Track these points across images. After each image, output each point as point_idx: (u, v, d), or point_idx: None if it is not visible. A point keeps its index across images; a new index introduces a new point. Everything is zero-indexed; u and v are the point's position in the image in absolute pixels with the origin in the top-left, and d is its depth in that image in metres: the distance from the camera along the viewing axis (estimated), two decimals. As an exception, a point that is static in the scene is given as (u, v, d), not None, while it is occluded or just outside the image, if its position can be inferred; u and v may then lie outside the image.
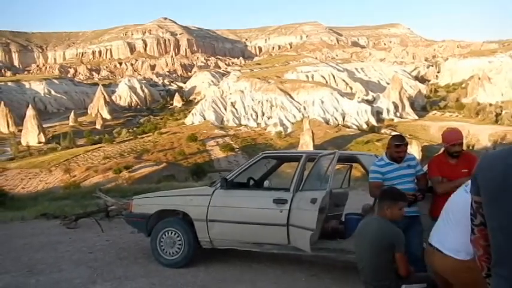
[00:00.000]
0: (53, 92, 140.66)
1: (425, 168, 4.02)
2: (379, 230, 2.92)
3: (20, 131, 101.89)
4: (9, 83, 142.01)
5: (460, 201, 2.26)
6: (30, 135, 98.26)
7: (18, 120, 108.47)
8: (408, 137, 51.47)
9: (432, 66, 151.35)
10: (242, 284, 4.49)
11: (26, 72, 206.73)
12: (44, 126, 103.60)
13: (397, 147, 3.89)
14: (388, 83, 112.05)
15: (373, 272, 2.97)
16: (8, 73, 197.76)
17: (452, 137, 3.79)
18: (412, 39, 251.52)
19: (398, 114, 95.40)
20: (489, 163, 1.61)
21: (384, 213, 3.01)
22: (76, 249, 6.00)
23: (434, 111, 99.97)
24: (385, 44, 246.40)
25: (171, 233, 5.08)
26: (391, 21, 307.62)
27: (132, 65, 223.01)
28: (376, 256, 2.91)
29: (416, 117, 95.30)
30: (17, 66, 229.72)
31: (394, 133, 45.91)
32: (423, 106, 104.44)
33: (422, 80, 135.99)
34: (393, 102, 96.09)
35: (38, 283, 4.58)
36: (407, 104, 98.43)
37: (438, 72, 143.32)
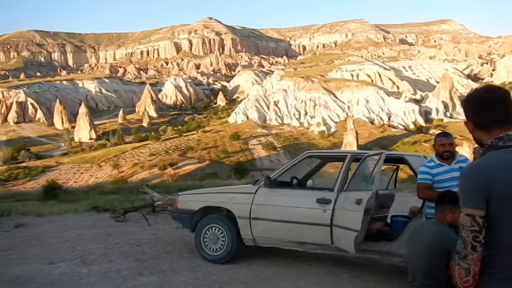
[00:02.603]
0: (103, 91, 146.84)
1: None
2: (437, 235, 2.79)
3: (73, 127, 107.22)
4: (64, 82, 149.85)
5: None
6: (82, 132, 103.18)
7: (72, 117, 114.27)
8: (459, 138, 49.26)
9: (487, 63, 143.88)
10: (284, 282, 4.49)
11: (79, 72, 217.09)
12: (95, 123, 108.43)
13: (441, 141, 3.79)
14: (438, 82, 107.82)
15: (424, 276, 2.87)
16: (63, 72, 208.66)
17: None
18: (464, 35, 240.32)
19: (448, 114, 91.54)
20: (502, 169, 1.57)
21: (443, 218, 2.88)
22: (124, 242, 6.24)
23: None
24: (435, 41, 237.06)
25: (215, 229, 5.17)
26: (442, 18, 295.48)
27: (178, 64, 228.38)
28: (429, 261, 2.79)
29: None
30: (72, 66, 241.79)
31: (443, 134, 43.96)
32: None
33: (475, 78, 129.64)
34: (443, 102, 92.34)
35: (90, 272, 4.81)
36: (458, 103, 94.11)
37: (493, 70, 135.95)
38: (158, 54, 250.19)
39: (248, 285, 4.45)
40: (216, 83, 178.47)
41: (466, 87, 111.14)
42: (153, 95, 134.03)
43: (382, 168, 4.59)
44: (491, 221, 1.61)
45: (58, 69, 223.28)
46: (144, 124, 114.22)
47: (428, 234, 2.87)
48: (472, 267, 1.64)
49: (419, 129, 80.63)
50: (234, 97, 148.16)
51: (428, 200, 3.81)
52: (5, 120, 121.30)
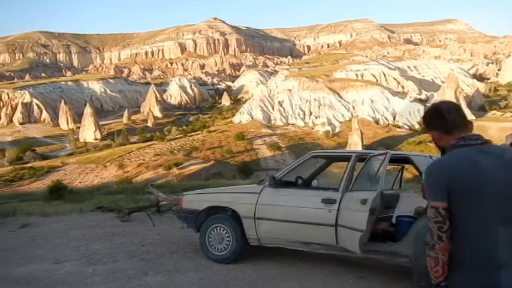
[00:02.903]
0: (108, 91, 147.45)
1: None
2: None
3: (79, 127, 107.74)
4: (69, 83, 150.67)
5: None
6: (88, 132, 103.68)
7: (77, 117, 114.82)
8: (464, 138, 48.94)
9: (492, 63, 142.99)
10: (289, 282, 4.48)
11: (84, 72, 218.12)
12: (100, 123, 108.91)
13: None
14: (443, 82, 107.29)
15: (430, 278, 2.84)
16: (68, 73, 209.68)
17: None
18: (470, 35, 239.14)
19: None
20: (468, 164, 1.75)
21: None
22: (129, 242, 6.25)
23: (494, 111, 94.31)
24: (440, 41, 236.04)
25: (220, 229, 5.17)
26: (448, 17, 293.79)
27: (182, 64, 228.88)
28: None
29: (474, 118, 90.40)
30: (76, 67, 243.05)
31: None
32: (481, 106, 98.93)
33: (481, 78, 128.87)
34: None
35: (95, 272, 4.83)
36: (463, 103, 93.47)
37: (499, 69, 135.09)
38: (163, 55, 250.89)
39: (253, 285, 4.45)
40: (220, 83, 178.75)
41: (472, 87, 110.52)
42: (158, 96, 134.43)
43: (387, 168, 4.57)
44: (454, 213, 1.76)
45: (63, 70, 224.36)
46: (149, 124, 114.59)
47: None
48: (440, 257, 1.78)
49: (425, 130, 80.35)
50: (238, 97, 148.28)
51: None
52: (11, 121, 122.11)
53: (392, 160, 4.63)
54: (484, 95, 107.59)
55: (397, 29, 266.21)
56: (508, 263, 1.71)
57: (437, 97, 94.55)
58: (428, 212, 1.85)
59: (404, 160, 5.15)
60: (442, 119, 1.92)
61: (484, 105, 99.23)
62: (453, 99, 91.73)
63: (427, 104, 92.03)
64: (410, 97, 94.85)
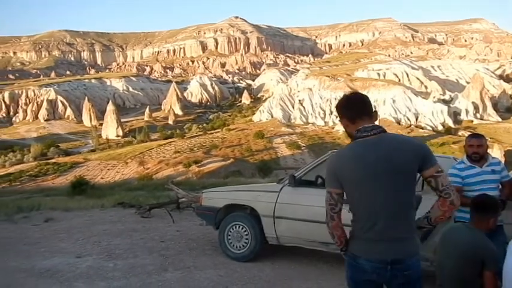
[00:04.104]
0: (130, 89, 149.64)
1: None
2: (473, 243, 2.63)
3: (101, 124, 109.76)
4: (93, 80, 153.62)
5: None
6: (110, 129, 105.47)
7: (100, 114, 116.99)
8: (489, 140, 47.82)
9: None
10: (308, 282, 4.45)
11: (107, 70, 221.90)
12: (122, 120, 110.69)
13: (470, 142, 3.66)
14: (468, 82, 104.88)
15: (454, 283, 2.76)
16: (92, 71, 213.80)
17: None
18: (497, 35, 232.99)
19: (478, 115, 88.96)
20: (354, 158, 2.10)
21: (485, 225, 2.75)
22: (149, 238, 6.32)
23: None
24: (465, 41, 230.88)
25: (239, 227, 5.16)
26: (474, 16, 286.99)
27: (203, 63, 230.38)
28: (462, 268, 2.65)
29: (500, 119, 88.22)
30: (100, 65, 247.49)
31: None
32: (508, 107, 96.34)
33: (507, 79, 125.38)
34: (473, 103, 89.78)
35: (116, 267, 4.89)
36: (489, 104, 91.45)
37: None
38: (184, 53, 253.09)
39: (271, 284, 4.43)
40: (241, 81, 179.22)
41: (498, 88, 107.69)
42: (179, 93, 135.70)
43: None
44: (347, 197, 2.16)
45: (87, 68, 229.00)
46: (170, 122, 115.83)
47: (464, 241, 2.73)
48: (334, 233, 2.23)
49: (448, 131, 78.66)
50: (258, 96, 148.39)
51: None
52: (36, 117, 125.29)
53: (415, 161, 4.54)
54: (511, 96, 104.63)
55: (421, 28, 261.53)
56: (397, 234, 2.08)
57: (461, 98, 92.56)
58: (325, 196, 2.20)
59: (427, 161, 5.03)
60: (348, 108, 2.22)
61: (510, 106, 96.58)
62: (478, 100, 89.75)
63: (451, 105, 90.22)
64: (434, 97, 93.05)
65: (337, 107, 2.31)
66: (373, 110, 2.21)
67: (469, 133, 4.80)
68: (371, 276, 2.13)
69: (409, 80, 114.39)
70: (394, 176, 2.05)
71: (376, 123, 2.23)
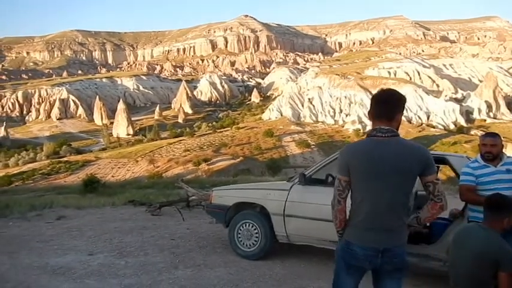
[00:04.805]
0: (141, 88, 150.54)
1: None
2: (488, 244, 2.57)
3: (112, 123, 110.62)
4: (104, 80, 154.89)
5: None
6: (120, 128, 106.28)
7: (111, 113, 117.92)
8: (503, 140, 47.10)
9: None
10: (318, 281, 4.43)
11: (118, 69, 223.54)
12: (133, 119, 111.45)
13: (483, 141, 3.61)
14: (480, 81, 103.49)
15: (469, 283, 2.72)
16: (103, 70, 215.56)
17: None
18: (511, 33, 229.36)
19: (491, 114, 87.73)
20: (364, 152, 2.34)
21: (500, 225, 2.71)
22: (160, 236, 6.35)
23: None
24: (478, 39, 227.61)
25: (249, 225, 5.17)
26: (487, 14, 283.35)
27: (213, 61, 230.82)
28: (476, 269, 2.61)
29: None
30: (111, 64, 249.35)
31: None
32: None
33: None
34: (486, 102, 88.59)
35: (127, 264, 4.93)
36: (502, 103, 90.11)
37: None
38: (194, 52, 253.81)
39: (281, 282, 4.43)
40: (250, 80, 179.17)
41: None
42: (189, 92, 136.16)
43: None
44: (352, 186, 2.40)
45: (98, 67, 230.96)
46: (180, 120, 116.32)
47: (478, 241, 2.68)
48: (337, 215, 2.48)
49: (460, 130, 77.69)
50: (268, 94, 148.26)
51: (471, 203, 3.64)
52: (49, 116, 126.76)
53: (428, 160, 4.48)
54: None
55: (433, 26, 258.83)
56: (390, 227, 2.35)
57: (474, 96, 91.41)
58: (335, 182, 2.47)
59: (439, 160, 4.97)
60: (372, 107, 2.44)
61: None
62: (491, 99, 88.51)
63: (463, 104, 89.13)
64: (446, 96, 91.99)
65: (371, 100, 2.49)
66: (398, 113, 2.39)
67: (482, 132, 4.73)
68: (362, 263, 2.39)
69: (420, 78, 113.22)
70: (395, 176, 2.29)
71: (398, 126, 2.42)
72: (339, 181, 2.43)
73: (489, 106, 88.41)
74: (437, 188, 2.36)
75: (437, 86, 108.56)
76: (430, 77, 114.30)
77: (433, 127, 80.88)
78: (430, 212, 2.42)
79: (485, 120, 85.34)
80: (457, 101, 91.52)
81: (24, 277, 4.53)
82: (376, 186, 2.32)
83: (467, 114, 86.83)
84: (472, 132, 75.26)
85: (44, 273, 4.65)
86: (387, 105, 2.38)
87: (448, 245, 3.26)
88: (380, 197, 2.32)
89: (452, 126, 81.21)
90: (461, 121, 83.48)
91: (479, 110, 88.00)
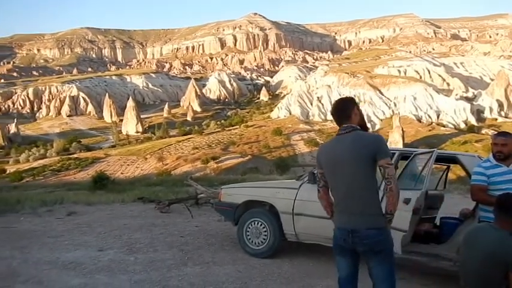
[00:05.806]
0: (150, 85, 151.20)
1: None
2: (500, 244, 2.54)
3: (121, 120, 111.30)
4: (114, 77, 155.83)
5: None
6: (130, 125, 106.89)
7: (120, 110, 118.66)
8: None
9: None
10: (327, 279, 4.42)
11: (127, 67, 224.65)
12: (142, 117, 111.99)
13: (495, 140, 3.57)
14: (492, 79, 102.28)
15: (480, 283, 2.70)
16: (113, 68, 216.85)
17: None
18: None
19: (503, 113, 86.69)
20: (329, 148, 2.80)
21: (510, 225, 2.67)
22: (169, 233, 6.39)
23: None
24: (490, 37, 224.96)
25: (258, 223, 5.17)
26: (499, 11, 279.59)
27: (222, 59, 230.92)
28: (487, 269, 2.58)
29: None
30: (120, 62, 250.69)
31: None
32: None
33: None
34: (497, 100, 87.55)
35: (136, 260, 4.97)
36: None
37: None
38: (203, 50, 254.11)
39: (290, 280, 4.43)
40: (259, 78, 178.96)
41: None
42: (198, 90, 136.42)
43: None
44: (326, 177, 2.80)
45: (108, 65, 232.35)
46: (188, 118, 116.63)
47: (489, 241, 2.65)
48: (321, 202, 2.91)
49: (471, 129, 76.82)
50: (277, 92, 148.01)
51: (482, 203, 3.60)
52: (59, 113, 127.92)
53: (438, 159, 4.45)
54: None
55: (444, 24, 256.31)
56: (355, 210, 2.64)
57: (485, 95, 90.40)
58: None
59: (450, 160, 4.94)
60: (333, 115, 2.92)
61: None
62: (503, 98, 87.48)
63: (474, 103, 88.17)
64: (456, 95, 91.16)
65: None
66: (349, 115, 2.77)
67: (493, 131, 4.68)
68: (340, 241, 2.74)
69: (430, 77, 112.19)
70: (352, 163, 2.63)
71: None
72: (318, 174, 2.91)
73: (500, 105, 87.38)
74: (387, 171, 2.60)
75: (448, 84, 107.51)
76: (440, 76, 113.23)
77: (444, 126, 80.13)
78: (387, 197, 2.65)
79: (496, 119, 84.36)
80: (468, 99, 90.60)
81: (36, 271, 4.59)
82: (338, 175, 2.70)
83: (478, 113, 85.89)
84: (483, 131, 74.43)
85: (54, 268, 4.71)
86: (336, 116, 2.84)
87: (458, 244, 3.24)
88: (342, 183, 2.68)
89: (462, 125, 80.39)
90: (472, 120, 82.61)
91: (491, 109, 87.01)
